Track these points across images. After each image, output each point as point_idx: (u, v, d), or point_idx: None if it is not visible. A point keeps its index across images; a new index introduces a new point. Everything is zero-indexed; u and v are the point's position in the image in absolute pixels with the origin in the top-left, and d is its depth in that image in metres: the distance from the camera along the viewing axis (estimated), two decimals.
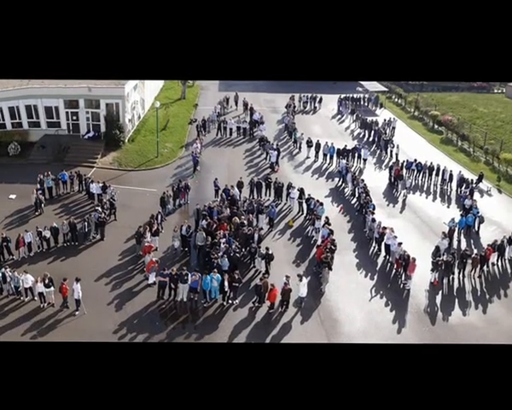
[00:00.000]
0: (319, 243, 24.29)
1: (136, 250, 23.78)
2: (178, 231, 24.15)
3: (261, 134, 38.40)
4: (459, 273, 22.98)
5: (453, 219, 26.26)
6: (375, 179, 32.87)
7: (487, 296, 21.97)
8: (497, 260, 24.17)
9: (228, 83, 49.43)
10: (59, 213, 27.43)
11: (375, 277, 23.03)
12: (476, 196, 30.26)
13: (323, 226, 24.88)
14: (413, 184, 32.59)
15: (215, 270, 20.73)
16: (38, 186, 28.37)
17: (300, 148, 37.48)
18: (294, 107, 45.84)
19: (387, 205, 30.03)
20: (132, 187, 30.88)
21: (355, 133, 42.53)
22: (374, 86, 49.69)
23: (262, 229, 25.51)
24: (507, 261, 24.35)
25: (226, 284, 20.53)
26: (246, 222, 24.82)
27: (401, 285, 22.46)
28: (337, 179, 32.86)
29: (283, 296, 20.39)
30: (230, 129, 39.89)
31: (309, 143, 36.44)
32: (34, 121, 35.30)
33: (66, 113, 35.49)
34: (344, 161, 33.58)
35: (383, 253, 24.52)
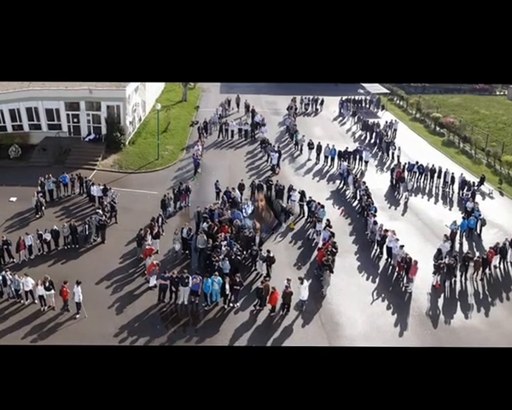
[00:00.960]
0: (320, 245, 24.26)
1: (137, 253, 23.76)
2: (179, 233, 24.12)
3: (262, 136, 38.41)
4: (461, 276, 22.93)
5: (455, 222, 26.22)
6: (377, 182, 32.84)
7: (489, 299, 21.92)
8: (499, 263, 24.12)
9: (229, 85, 49.44)
10: (60, 216, 27.41)
11: (377, 280, 22.98)
12: (478, 198, 30.21)
13: (324, 229, 24.84)
14: (415, 186, 32.51)
15: (216, 273, 20.72)
16: (39, 189, 28.38)
17: (302, 150, 37.48)
18: (296, 109, 45.81)
19: (389, 207, 29.99)
20: (133, 190, 30.87)
21: (356, 135, 42.49)
22: (375, 88, 49.63)
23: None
24: (509, 264, 24.30)
25: (227, 286, 20.50)
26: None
27: (403, 288, 22.41)
28: (338, 182, 32.83)
29: (284, 299, 20.36)
30: (232, 131, 39.91)
31: (310, 146, 36.42)
32: (35, 124, 35.30)
33: (67, 115, 35.47)
34: (345, 164, 33.56)
35: (385, 255, 24.48)
